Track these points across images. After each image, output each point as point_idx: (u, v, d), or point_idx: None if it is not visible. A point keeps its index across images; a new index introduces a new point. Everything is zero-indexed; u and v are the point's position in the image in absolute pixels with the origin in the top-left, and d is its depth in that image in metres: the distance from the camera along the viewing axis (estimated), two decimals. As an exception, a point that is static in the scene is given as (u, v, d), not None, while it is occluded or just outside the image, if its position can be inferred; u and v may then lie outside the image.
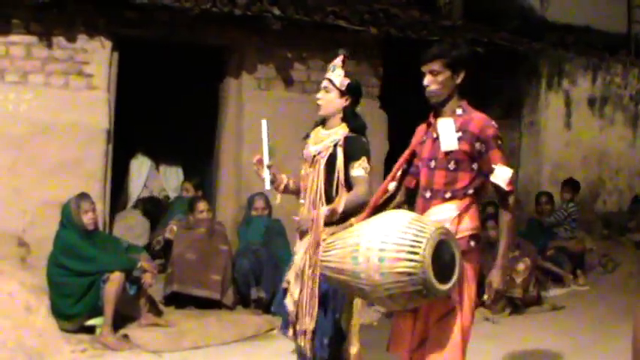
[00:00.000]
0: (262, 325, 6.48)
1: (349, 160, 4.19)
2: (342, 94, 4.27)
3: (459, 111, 3.73)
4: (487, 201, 9.33)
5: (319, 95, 4.30)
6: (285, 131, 7.84)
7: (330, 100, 4.27)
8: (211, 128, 8.12)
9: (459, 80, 3.70)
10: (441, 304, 3.59)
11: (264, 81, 7.81)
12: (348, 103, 4.28)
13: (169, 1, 6.84)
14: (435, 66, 3.67)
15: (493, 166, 3.61)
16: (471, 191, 3.67)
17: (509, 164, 3.65)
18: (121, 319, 6.19)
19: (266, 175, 4.34)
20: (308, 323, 4.20)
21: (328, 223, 4.15)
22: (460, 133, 3.66)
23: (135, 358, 5.73)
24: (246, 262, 6.87)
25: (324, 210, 4.15)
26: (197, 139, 8.63)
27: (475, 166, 3.67)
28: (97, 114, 6.89)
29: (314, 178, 4.26)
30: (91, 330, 6.03)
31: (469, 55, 3.74)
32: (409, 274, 3.29)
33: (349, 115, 4.28)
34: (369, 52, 8.23)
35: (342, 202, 4.14)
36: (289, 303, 4.31)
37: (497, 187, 3.64)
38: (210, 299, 6.81)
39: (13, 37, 6.67)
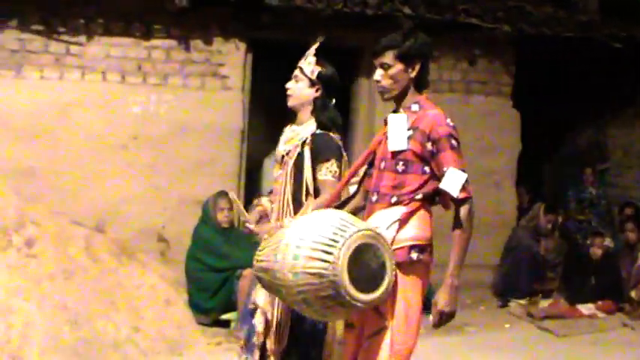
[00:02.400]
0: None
1: (316, 161, 3.72)
2: (313, 83, 3.81)
3: (414, 107, 3.26)
4: (625, 201, 9.01)
5: (288, 85, 3.87)
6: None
7: (299, 90, 3.82)
8: (343, 128, 8.17)
9: (413, 74, 3.25)
10: (372, 319, 3.12)
11: (395, 80, 7.80)
12: (318, 93, 3.81)
13: (302, 3, 6.95)
14: (386, 59, 3.23)
15: (444, 169, 3.12)
16: (419, 196, 3.19)
17: (464, 168, 3.14)
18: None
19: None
20: (278, 342, 3.73)
21: None
22: (411, 132, 3.20)
23: (267, 353, 5.85)
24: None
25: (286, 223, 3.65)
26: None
27: (427, 168, 3.20)
28: (232, 114, 7.08)
29: (282, 181, 3.82)
30: (225, 324, 6.21)
31: (425, 45, 3.26)
32: (321, 275, 2.87)
33: (318, 108, 3.81)
34: (502, 50, 8.09)
35: (308, 212, 3.61)
36: (259, 323, 3.78)
37: (446, 195, 3.16)
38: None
39: (154, 42, 6.96)
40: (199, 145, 6.96)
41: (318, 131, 3.76)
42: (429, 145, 3.16)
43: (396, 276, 3.05)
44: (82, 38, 6.83)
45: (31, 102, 6.68)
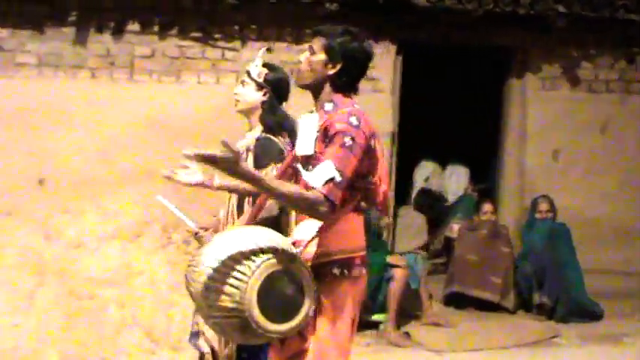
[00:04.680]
0: (545, 331, 6.31)
1: (257, 167, 3.53)
2: (260, 87, 3.75)
3: (328, 106, 2.95)
4: None
5: (235, 90, 3.83)
6: (571, 133, 7.61)
7: (246, 94, 3.77)
8: (496, 129, 8.05)
9: (332, 71, 2.95)
10: (292, 339, 2.90)
11: (548, 81, 7.61)
12: (266, 97, 3.74)
13: (452, 4, 6.90)
14: (315, 44, 2.99)
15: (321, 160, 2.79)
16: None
17: (343, 167, 2.75)
18: (403, 317, 6.34)
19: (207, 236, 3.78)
20: (222, 350, 3.69)
21: None
22: (318, 133, 2.90)
23: (416, 356, 5.83)
24: (529, 266, 6.75)
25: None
26: (483, 141, 8.60)
27: None
28: (383, 117, 7.08)
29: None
30: (375, 325, 6.23)
31: (358, 52, 2.96)
32: (231, 310, 2.70)
33: (266, 111, 3.73)
34: (664, 48, 7.74)
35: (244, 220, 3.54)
36: (203, 344, 3.77)
37: (370, 197, 2.94)
38: (490, 302, 6.77)
39: (306, 46, 7.09)
40: (347, 147, 7.02)
41: (262, 135, 3.69)
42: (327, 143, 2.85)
43: (319, 297, 2.84)
44: (237, 44, 7.07)
45: (189, 106, 6.98)
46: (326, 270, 2.88)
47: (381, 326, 6.16)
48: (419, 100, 8.11)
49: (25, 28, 6.87)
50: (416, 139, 7.95)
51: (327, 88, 2.98)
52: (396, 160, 7.30)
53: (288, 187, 2.75)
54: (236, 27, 7.09)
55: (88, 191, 6.58)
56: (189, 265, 2.97)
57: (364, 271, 2.97)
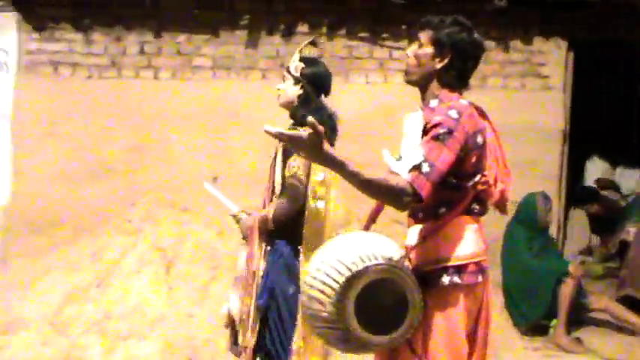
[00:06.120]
0: None
1: (285, 158, 3.69)
2: (297, 81, 3.76)
3: (433, 103, 2.76)
4: None
5: (277, 85, 3.85)
6: None
7: (286, 89, 3.78)
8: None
9: (440, 64, 2.78)
10: (404, 354, 2.70)
11: None
12: (302, 91, 3.75)
13: (626, -2, 6.64)
14: (422, 37, 2.84)
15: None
16: (442, 209, 2.69)
17: (434, 158, 2.56)
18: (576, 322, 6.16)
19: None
20: (249, 339, 3.69)
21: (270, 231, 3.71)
22: (422, 133, 2.69)
23: (588, 363, 5.67)
24: None
25: (256, 218, 3.74)
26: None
27: (450, 177, 2.66)
28: (553, 114, 6.92)
29: (267, 182, 3.86)
30: (544, 330, 6.08)
31: (465, 43, 2.79)
32: (331, 321, 2.57)
33: (299, 104, 3.74)
34: None
35: (271, 209, 3.70)
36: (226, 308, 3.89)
37: (484, 199, 2.78)
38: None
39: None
40: (518, 146, 6.81)
41: (290, 127, 3.64)
42: None
43: (428, 308, 2.66)
44: (405, 43, 7.07)
45: (357, 105, 7.06)
46: (434, 278, 2.69)
47: (551, 330, 6.01)
48: (591, 97, 7.86)
49: (201, 33, 7.20)
50: (587, 137, 7.70)
51: (435, 83, 2.82)
52: (567, 159, 7.07)
53: (372, 173, 2.54)
54: (403, 26, 7.10)
55: (257, 189, 6.79)
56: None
57: (481, 278, 2.74)
